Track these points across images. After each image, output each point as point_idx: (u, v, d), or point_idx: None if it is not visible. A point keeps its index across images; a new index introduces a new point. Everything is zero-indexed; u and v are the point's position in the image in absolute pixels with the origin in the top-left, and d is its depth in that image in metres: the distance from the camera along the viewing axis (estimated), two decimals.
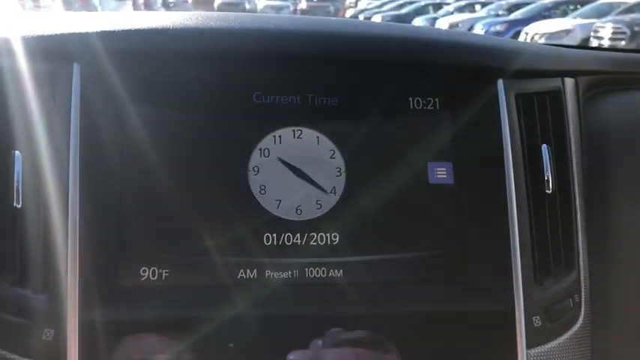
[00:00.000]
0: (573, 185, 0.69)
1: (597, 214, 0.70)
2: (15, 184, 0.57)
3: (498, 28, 9.14)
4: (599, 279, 0.68)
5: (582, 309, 0.65)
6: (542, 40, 7.46)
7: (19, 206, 0.57)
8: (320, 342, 0.58)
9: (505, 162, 0.64)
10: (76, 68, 0.60)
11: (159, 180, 0.62)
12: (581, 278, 0.66)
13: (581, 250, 0.67)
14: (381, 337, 0.59)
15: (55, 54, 0.60)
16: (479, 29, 9.36)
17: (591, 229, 0.69)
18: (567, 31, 7.73)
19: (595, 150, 0.73)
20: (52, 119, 0.59)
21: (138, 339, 0.55)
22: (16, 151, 0.57)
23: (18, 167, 0.57)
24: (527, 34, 8.00)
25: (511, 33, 8.73)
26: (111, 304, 0.57)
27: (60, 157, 0.58)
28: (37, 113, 0.59)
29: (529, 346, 0.60)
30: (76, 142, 0.58)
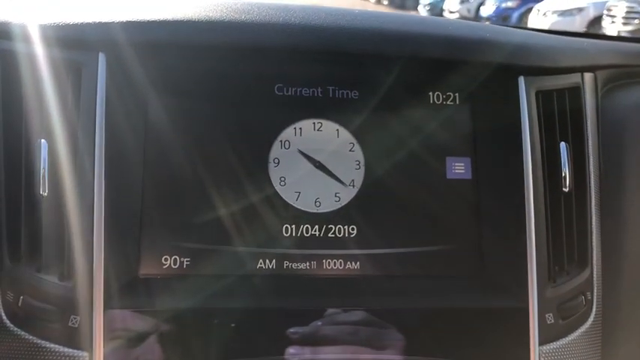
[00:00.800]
0: (589, 183, 0.69)
1: (612, 211, 0.71)
2: (41, 172, 0.58)
3: (510, 4, 9.01)
4: (612, 277, 0.69)
5: (594, 306, 0.66)
6: (555, 18, 7.35)
7: (45, 194, 0.58)
8: (331, 334, 0.60)
9: (524, 159, 0.64)
10: (102, 58, 0.60)
11: (181, 170, 0.63)
12: (594, 276, 0.67)
13: (594, 248, 0.68)
14: (390, 332, 0.60)
15: (81, 43, 0.60)
16: (490, 4, 9.23)
17: (605, 226, 0.70)
18: (580, 9, 7.61)
19: (611, 145, 0.73)
20: (77, 108, 0.59)
21: (160, 327, 0.56)
22: (42, 140, 0.58)
23: (44, 155, 0.58)
24: (539, 10, 7.88)
25: (523, 9, 8.61)
26: (134, 293, 0.58)
27: (85, 146, 0.58)
28: (62, 102, 0.59)
29: (542, 342, 0.61)
30: (101, 132, 0.59)
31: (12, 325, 0.56)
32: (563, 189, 0.66)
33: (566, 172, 0.66)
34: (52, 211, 0.58)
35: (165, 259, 0.62)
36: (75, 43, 0.60)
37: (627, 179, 0.73)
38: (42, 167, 0.58)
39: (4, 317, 0.56)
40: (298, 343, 0.59)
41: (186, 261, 0.63)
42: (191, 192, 0.63)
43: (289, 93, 0.67)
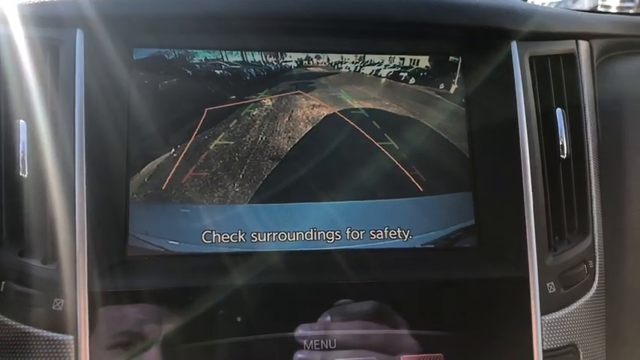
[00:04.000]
0: (588, 150, 0.67)
1: (611, 178, 0.69)
2: (20, 154, 0.56)
3: None
4: (613, 244, 0.67)
5: (597, 275, 0.64)
6: (552, 4, 7.35)
7: (25, 176, 0.56)
8: (330, 313, 0.58)
9: (519, 126, 0.62)
10: (79, 35, 0.58)
11: (164, 147, 0.61)
12: (596, 244, 0.65)
13: (595, 216, 0.66)
14: (391, 305, 0.58)
15: (57, 20, 0.58)
16: None
17: (605, 194, 0.68)
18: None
19: (608, 114, 0.71)
20: (56, 87, 0.57)
21: (145, 308, 0.54)
22: (21, 121, 0.56)
23: (23, 137, 0.56)
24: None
25: None
26: (119, 274, 0.56)
27: (65, 125, 0.57)
28: (41, 81, 0.57)
29: (543, 312, 0.59)
30: (81, 111, 0.57)
31: None
32: (561, 156, 0.64)
33: (563, 138, 0.64)
34: (33, 193, 0.56)
35: (151, 239, 0.60)
36: (51, 21, 0.58)
37: (625, 147, 0.71)
38: (21, 148, 0.56)
39: None
40: (289, 320, 0.57)
41: (173, 242, 0.61)
42: (175, 169, 0.61)
43: (269, 63, 0.65)
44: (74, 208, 0.55)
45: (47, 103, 0.57)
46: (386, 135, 0.65)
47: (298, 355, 0.55)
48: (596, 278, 0.64)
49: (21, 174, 0.56)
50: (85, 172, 0.56)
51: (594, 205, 0.66)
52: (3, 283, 0.54)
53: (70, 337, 0.53)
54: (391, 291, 0.58)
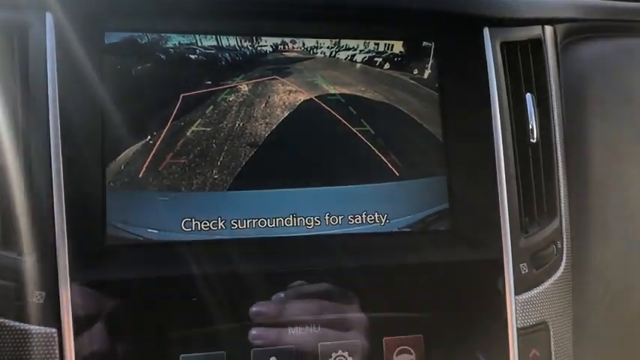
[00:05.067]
0: (555, 134, 0.69)
1: (575, 161, 0.71)
2: None
3: None
4: (579, 225, 0.70)
5: (564, 255, 0.67)
6: None
7: None
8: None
9: (492, 111, 0.64)
10: (49, 18, 0.56)
11: (140, 134, 0.60)
12: (563, 225, 0.68)
13: (562, 198, 0.68)
14: (364, 289, 0.59)
15: (25, 3, 0.56)
16: None
17: (570, 176, 0.71)
18: None
19: (572, 98, 0.74)
20: (25, 73, 0.55)
21: (127, 297, 0.54)
22: None
23: None
24: None
25: None
26: (100, 264, 0.56)
27: (38, 113, 0.55)
28: (7, 68, 0.55)
29: (517, 292, 0.61)
30: (54, 98, 0.55)
31: None
32: (531, 140, 0.66)
33: (533, 123, 0.66)
34: (5, 185, 0.54)
35: (129, 228, 0.59)
36: (18, 3, 0.56)
37: (589, 129, 0.73)
38: None
39: None
40: (268, 305, 0.57)
41: (151, 230, 0.60)
42: (151, 157, 0.60)
43: (244, 47, 0.64)
44: (51, 198, 0.53)
45: (17, 90, 0.55)
46: (362, 120, 0.66)
47: (285, 338, 0.55)
48: (564, 258, 0.67)
49: None
50: (60, 161, 0.54)
51: (561, 188, 0.69)
52: None
53: (54, 330, 0.52)
54: (371, 275, 0.59)
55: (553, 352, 0.63)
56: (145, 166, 0.60)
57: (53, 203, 0.53)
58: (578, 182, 0.71)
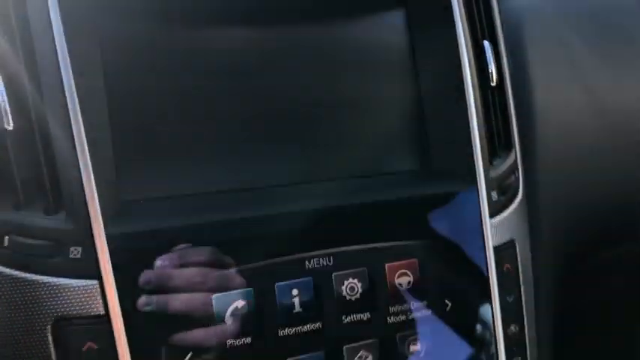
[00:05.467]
0: (506, 78, 0.79)
1: (521, 102, 0.82)
2: (1, 105, 0.54)
3: None
4: (528, 158, 0.80)
5: (521, 182, 0.77)
6: None
7: (10, 128, 0.54)
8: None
9: (461, 57, 0.71)
10: None
11: (147, 90, 0.62)
12: (518, 157, 0.78)
13: (515, 133, 0.78)
14: (346, 226, 0.65)
15: None
16: None
17: (518, 115, 0.81)
18: None
19: (513, 42, 0.83)
20: (30, 27, 0.55)
21: (164, 245, 0.57)
22: None
23: (1, 87, 0.54)
24: None
25: None
26: (131, 215, 0.58)
27: (49, 70, 0.55)
28: (14, 25, 0.55)
29: (491, 216, 0.71)
30: (63, 49, 0.55)
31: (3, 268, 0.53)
32: (491, 83, 0.75)
33: (492, 68, 0.75)
34: (23, 144, 0.55)
35: (148, 182, 0.61)
36: None
37: (530, 75, 0.84)
38: (1, 100, 0.54)
39: None
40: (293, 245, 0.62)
41: (168, 182, 0.62)
42: (161, 113, 0.62)
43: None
44: (75, 152, 0.55)
45: (24, 46, 0.55)
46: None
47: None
48: (521, 185, 0.77)
49: (5, 126, 0.54)
50: (79, 114, 0.55)
51: (514, 125, 0.79)
52: (6, 237, 0.54)
53: (94, 282, 0.54)
54: (345, 214, 0.65)
55: (520, 265, 0.74)
56: None
57: (78, 157, 0.55)
58: (526, 121, 0.81)
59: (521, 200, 0.76)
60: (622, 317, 1.05)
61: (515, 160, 0.77)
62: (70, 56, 0.55)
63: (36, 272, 0.53)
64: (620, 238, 0.92)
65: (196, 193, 0.63)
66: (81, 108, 0.55)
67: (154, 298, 0.56)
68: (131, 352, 0.54)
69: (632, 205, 0.88)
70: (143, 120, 0.62)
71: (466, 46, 0.71)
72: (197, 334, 0.57)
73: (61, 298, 0.54)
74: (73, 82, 0.55)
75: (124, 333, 0.54)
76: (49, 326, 0.53)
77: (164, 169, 0.62)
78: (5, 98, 0.54)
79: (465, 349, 0.68)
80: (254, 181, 0.65)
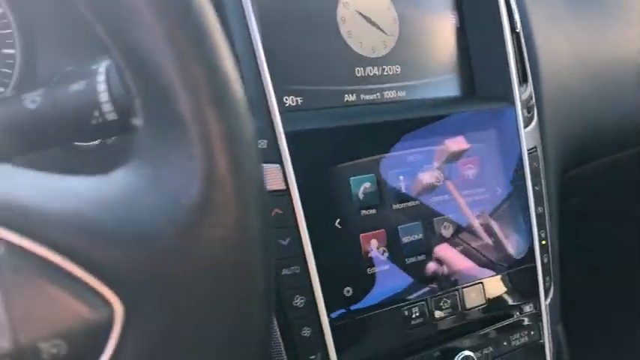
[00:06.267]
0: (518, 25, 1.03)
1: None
2: None
3: None
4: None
5: (535, 105, 1.03)
6: None
7: None
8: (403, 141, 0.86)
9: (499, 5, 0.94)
10: None
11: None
12: (530, 86, 1.03)
13: (528, 68, 1.03)
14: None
15: None
16: None
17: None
18: None
19: None
20: None
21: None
22: None
23: None
24: None
25: None
26: (294, 120, 0.77)
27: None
28: None
29: (524, 127, 0.95)
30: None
31: None
32: (516, 30, 0.99)
33: (517, 17, 0.99)
34: None
35: (286, 99, 0.81)
36: None
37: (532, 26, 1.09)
38: None
39: None
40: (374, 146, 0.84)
41: (299, 99, 0.82)
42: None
43: None
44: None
45: None
46: None
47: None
48: (535, 109, 1.02)
49: None
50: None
51: (527, 60, 1.03)
52: None
53: (277, 165, 0.73)
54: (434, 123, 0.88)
55: (541, 168, 0.99)
56: None
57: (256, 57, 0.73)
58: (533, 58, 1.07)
59: (537, 121, 1.02)
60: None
61: (531, 86, 1.02)
62: None
63: None
64: (606, 150, 1.20)
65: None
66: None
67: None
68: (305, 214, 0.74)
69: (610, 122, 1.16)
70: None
71: None
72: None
73: None
74: None
75: (299, 202, 0.74)
76: None
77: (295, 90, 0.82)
78: None
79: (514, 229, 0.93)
80: (355, 101, 0.87)
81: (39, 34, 0.75)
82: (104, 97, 0.47)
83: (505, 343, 0.90)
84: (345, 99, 0.86)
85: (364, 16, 0.89)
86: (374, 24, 0.90)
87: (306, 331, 0.73)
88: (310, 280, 0.73)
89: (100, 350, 0.30)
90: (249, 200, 0.34)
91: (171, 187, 0.32)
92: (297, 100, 0.82)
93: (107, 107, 0.47)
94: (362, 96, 0.88)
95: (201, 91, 0.32)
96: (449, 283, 0.85)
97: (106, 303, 0.30)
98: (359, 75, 0.88)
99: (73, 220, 0.29)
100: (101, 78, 0.47)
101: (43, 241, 0.28)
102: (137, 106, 0.34)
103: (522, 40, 1.03)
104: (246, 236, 0.33)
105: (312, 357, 0.73)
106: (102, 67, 0.48)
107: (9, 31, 0.72)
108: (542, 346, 0.94)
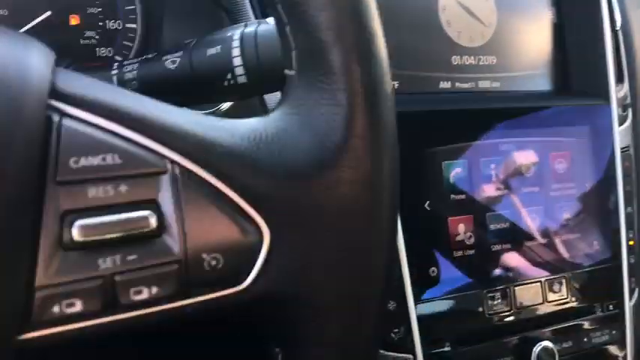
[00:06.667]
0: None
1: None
2: None
3: None
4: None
5: (630, 105, 1.01)
6: None
7: None
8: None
9: (601, 5, 0.94)
10: None
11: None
12: (626, 85, 1.01)
13: (625, 66, 1.02)
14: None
15: None
16: None
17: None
18: None
19: None
20: None
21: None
22: None
23: None
24: None
25: None
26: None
27: None
28: None
29: (619, 125, 0.94)
30: None
31: None
32: (617, 28, 0.98)
33: (617, 15, 0.98)
34: None
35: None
36: None
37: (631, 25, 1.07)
38: None
39: None
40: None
41: (396, 83, 0.85)
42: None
43: None
44: None
45: None
46: None
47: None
48: (630, 103, 1.01)
49: None
50: None
51: (624, 61, 1.02)
52: None
53: None
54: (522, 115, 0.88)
55: (633, 168, 0.98)
56: None
57: None
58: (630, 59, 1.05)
59: (634, 117, 1.01)
60: None
61: (627, 89, 1.01)
62: None
63: None
64: None
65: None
66: None
67: None
68: None
69: None
70: None
71: None
72: None
73: None
74: None
75: None
76: None
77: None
78: None
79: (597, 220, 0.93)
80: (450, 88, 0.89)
81: (160, 11, 0.80)
82: (237, 61, 0.51)
83: (585, 340, 0.89)
84: (441, 86, 0.88)
85: (464, 7, 0.91)
86: (473, 14, 0.91)
87: (392, 305, 0.76)
88: (398, 256, 0.76)
89: (250, 267, 0.34)
90: (384, 149, 0.37)
91: (318, 131, 0.35)
92: (393, 84, 0.85)
93: (239, 70, 0.51)
94: (457, 84, 0.89)
95: (352, 47, 0.36)
96: (532, 273, 0.86)
97: (257, 228, 0.34)
98: (455, 63, 0.89)
99: (236, 154, 0.34)
100: (236, 44, 0.51)
101: (212, 169, 0.33)
102: (293, 57, 0.38)
103: (621, 39, 1.02)
104: (378, 180, 0.37)
105: (396, 330, 0.76)
106: (237, 35, 0.52)
107: (132, 7, 0.78)
108: (623, 346, 0.93)
